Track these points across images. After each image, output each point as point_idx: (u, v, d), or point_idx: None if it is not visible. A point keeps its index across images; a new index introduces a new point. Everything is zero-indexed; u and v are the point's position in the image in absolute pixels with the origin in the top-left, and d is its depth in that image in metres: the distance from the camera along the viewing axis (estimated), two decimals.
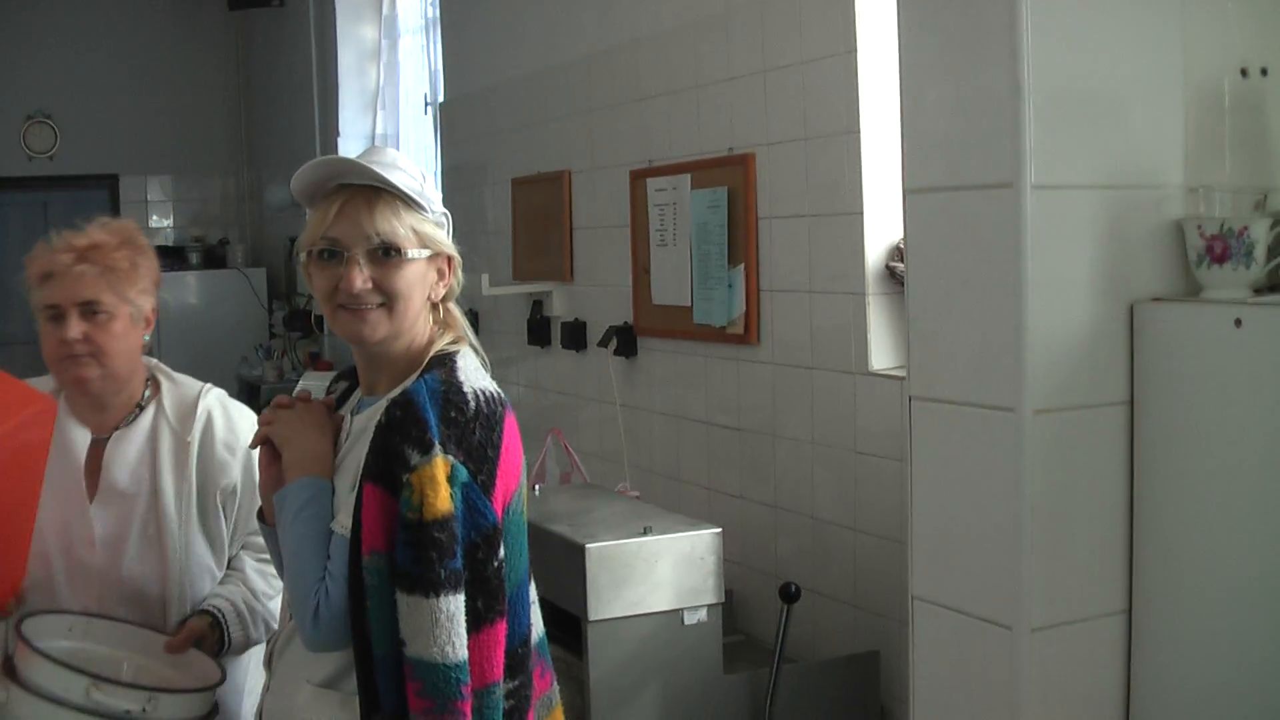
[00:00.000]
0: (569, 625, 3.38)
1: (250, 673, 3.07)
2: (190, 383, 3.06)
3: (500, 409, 2.31)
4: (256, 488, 2.80)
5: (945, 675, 2.08)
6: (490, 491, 2.24)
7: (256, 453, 2.67)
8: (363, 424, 2.39)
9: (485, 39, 6.17)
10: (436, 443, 2.19)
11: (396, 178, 2.31)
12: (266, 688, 2.54)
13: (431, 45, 7.16)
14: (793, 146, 3.95)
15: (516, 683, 2.32)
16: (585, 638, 3.30)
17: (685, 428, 4.56)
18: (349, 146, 7.77)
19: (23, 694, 2.60)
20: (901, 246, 3.63)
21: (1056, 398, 1.94)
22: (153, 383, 3.04)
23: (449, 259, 2.42)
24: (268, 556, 2.90)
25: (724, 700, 3.45)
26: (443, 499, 2.17)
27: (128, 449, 2.93)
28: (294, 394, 2.53)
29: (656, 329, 4.67)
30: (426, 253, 2.36)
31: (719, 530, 3.44)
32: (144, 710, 2.64)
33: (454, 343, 2.41)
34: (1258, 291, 2.05)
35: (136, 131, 9.71)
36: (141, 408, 2.98)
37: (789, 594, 3.50)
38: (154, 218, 10.04)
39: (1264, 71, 2.17)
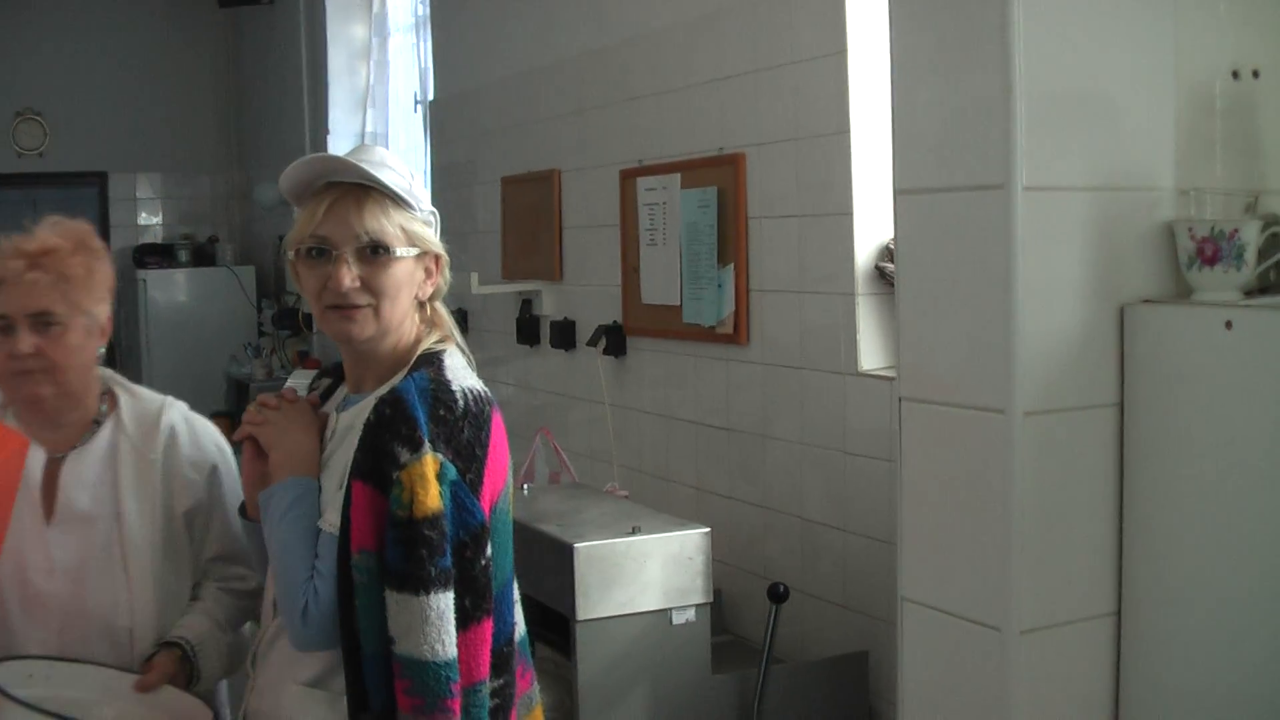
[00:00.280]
0: (557, 625, 3.38)
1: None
2: (150, 396, 2.86)
3: (488, 408, 2.31)
4: (220, 506, 2.84)
5: (934, 677, 2.08)
6: (478, 490, 2.25)
7: (221, 471, 2.84)
8: (349, 421, 2.39)
9: (475, 38, 6.17)
10: (426, 441, 2.20)
11: (385, 176, 2.32)
12: (251, 688, 2.54)
13: (422, 43, 7.15)
14: (783, 147, 3.95)
15: (501, 681, 2.33)
16: (573, 638, 3.30)
17: (674, 427, 4.56)
18: (339, 145, 7.76)
19: None
20: (891, 247, 3.64)
21: (1046, 399, 1.94)
22: (109, 396, 2.83)
23: (436, 257, 2.42)
24: (233, 585, 2.86)
25: (712, 700, 3.44)
26: (433, 497, 2.17)
27: (86, 468, 2.72)
28: (280, 392, 2.54)
29: (646, 328, 4.67)
30: (415, 251, 2.37)
31: (707, 530, 3.44)
32: None
33: (441, 341, 2.42)
34: (1248, 294, 2.06)
35: (126, 129, 9.69)
36: (99, 423, 2.78)
37: (777, 594, 3.50)
38: (143, 215, 10.02)
39: (1255, 74, 2.17)
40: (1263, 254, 2.07)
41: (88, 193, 9.91)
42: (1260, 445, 1.88)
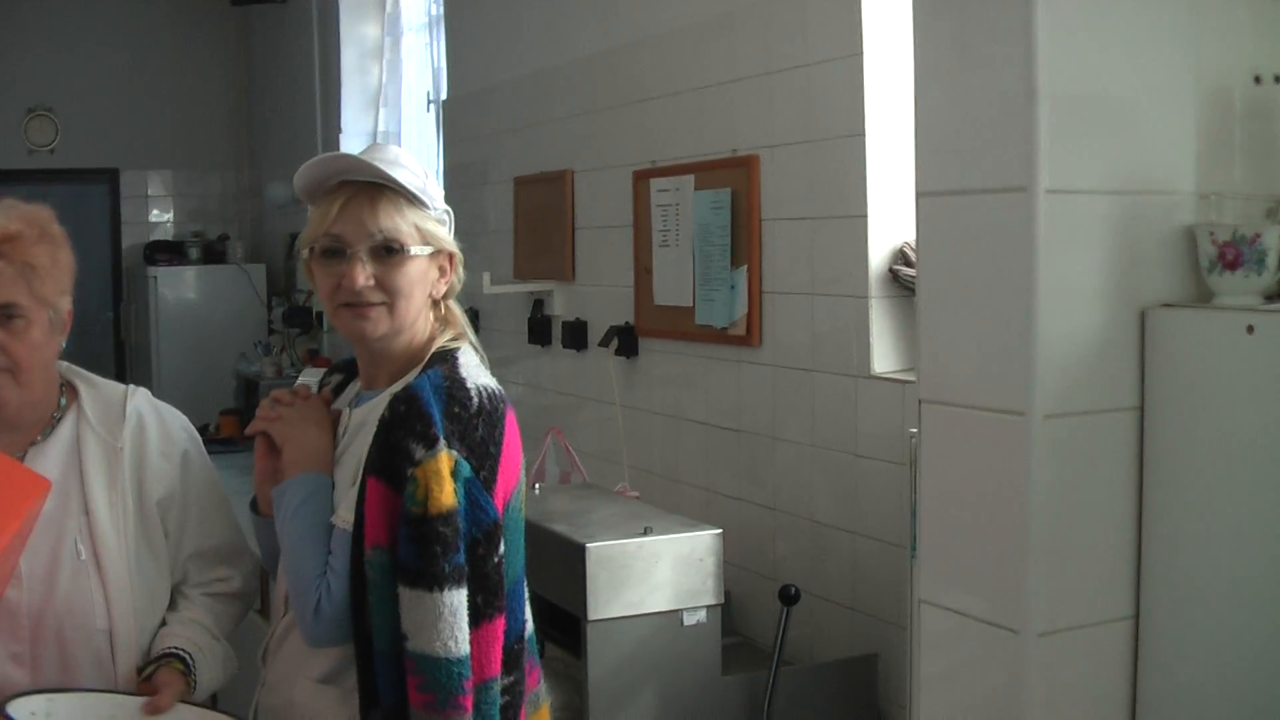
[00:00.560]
0: (567, 625, 3.38)
1: None
2: (111, 385, 2.68)
3: (502, 406, 2.32)
4: (195, 496, 2.66)
5: (951, 679, 2.08)
6: (492, 488, 2.26)
7: (193, 458, 2.70)
8: (362, 418, 2.40)
9: (488, 37, 6.17)
10: (441, 438, 2.20)
11: (399, 174, 2.33)
12: (262, 684, 2.55)
13: (434, 43, 7.15)
14: (797, 149, 3.94)
15: (512, 678, 2.34)
16: (584, 638, 3.30)
17: (685, 428, 4.56)
18: (351, 143, 7.77)
19: None
20: (906, 250, 3.64)
21: (1066, 402, 1.94)
22: (68, 389, 2.64)
23: (450, 256, 2.44)
24: (217, 589, 2.71)
25: (722, 702, 3.44)
26: (447, 494, 2.18)
27: (48, 464, 2.50)
28: (293, 388, 2.54)
29: (658, 329, 4.67)
30: (428, 250, 2.38)
31: (719, 531, 3.44)
32: None
33: (454, 340, 2.43)
34: (1269, 299, 2.05)
35: (137, 126, 9.71)
36: (58, 418, 2.58)
37: (789, 596, 3.49)
38: (154, 212, 10.04)
39: (1276, 79, 2.17)
40: None
41: (99, 189, 9.93)
42: None
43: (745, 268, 4.13)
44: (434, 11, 7.16)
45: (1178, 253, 2.06)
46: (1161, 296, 2.04)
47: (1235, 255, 2.00)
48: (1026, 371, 1.91)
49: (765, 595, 3.95)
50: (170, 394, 8.91)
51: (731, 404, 4.29)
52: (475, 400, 2.28)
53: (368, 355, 2.46)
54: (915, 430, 3.09)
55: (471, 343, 2.47)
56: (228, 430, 7.99)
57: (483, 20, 6.25)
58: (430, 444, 2.20)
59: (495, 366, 2.47)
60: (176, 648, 2.56)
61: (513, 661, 2.34)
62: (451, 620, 2.17)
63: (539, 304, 5.57)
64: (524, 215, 5.74)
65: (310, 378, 2.70)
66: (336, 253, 2.34)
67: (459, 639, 2.18)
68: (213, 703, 2.69)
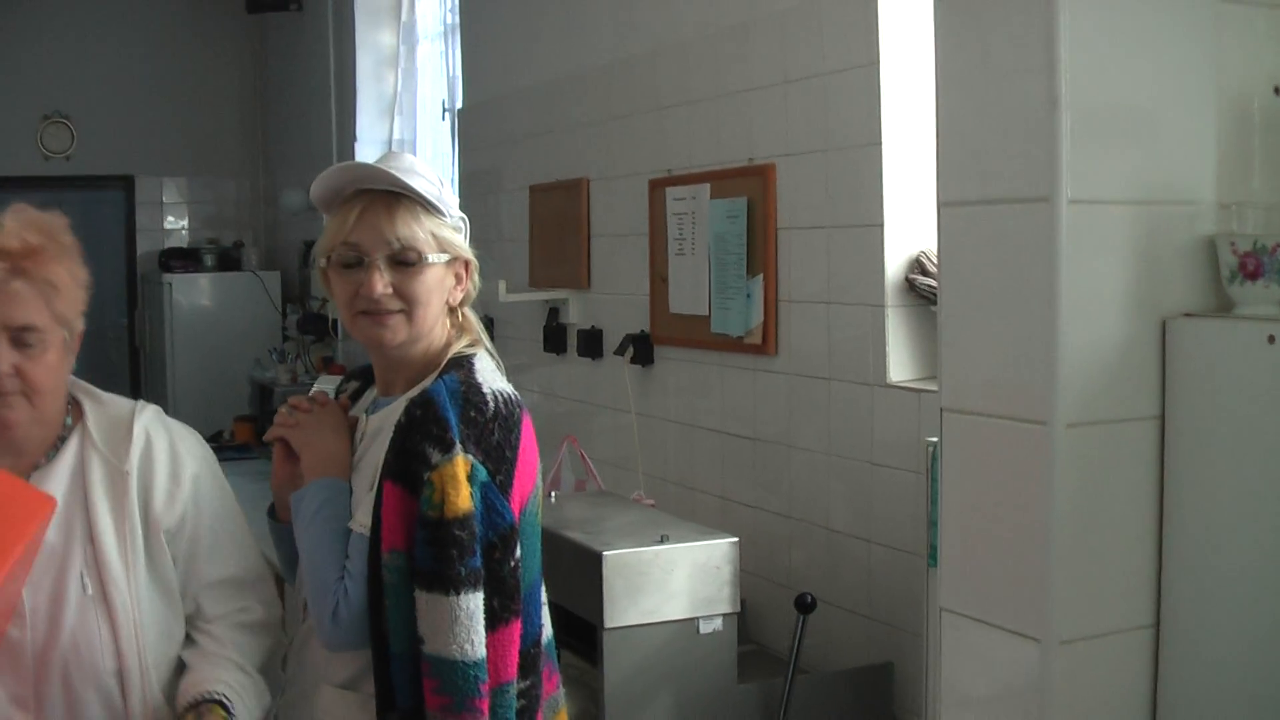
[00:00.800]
0: (583, 632, 3.39)
1: None
2: (120, 401, 2.49)
3: (517, 411, 2.34)
4: (208, 522, 2.47)
5: (972, 687, 2.08)
6: (508, 492, 2.27)
7: (205, 481, 2.49)
8: (379, 424, 2.41)
9: (504, 46, 6.19)
10: (458, 442, 2.21)
11: (415, 183, 2.34)
12: (282, 690, 2.56)
13: (450, 51, 7.17)
14: (813, 158, 3.95)
15: (528, 683, 2.34)
16: (600, 645, 3.31)
17: (700, 437, 4.56)
18: (366, 151, 7.78)
19: None
20: (922, 259, 3.65)
21: (1088, 411, 1.94)
22: (74, 406, 2.46)
23: (466, 263, 2.45)
24: (242, 619, 2.51)
25: (737, 710, 3.45)
26: (464, 497, 2.19)
27: (52, 490, 2.31)
28: (311, 394, 2.55)
29: (674, 338, 4.68)
30: (445, 257, 2.39)
31: (736, 540, 3.45)
32: None
33: (470, 345, 2.44)
34: None
35: (153, 133, 9.73)
36: (63, 438, 2.40)
37: (805, 604, 3.50)
38: (169, 219, 10.06)
39: None
40: None
41: (114, 196, 9.96)
42: None
43: (761, 276, 4.14)
44: (449, 20, 7.19)
45: (1199, 263, 2.06)
46: (1182, 306, 2.04)
47: (1256, 265, 2.00)
48: (1049, 381, 1.92)
49: (780, 603, 3.96)
50: (185, 400, 8.93)
51: (747, 412, 4.30)
52: (491, 405, 2.29)
53: (384, 362, 2.47)
54: (932, 439, 3.11)
55: (487, 349, 2.48)
56: (242, 437, 8.01)
57: (499, 28, 6.26)
58: (446, 448, 2.21)
59: (510, 374, 2.48)
60: (214, 692, 2.37)
61: (529, 665, 2.34)
62: (468, 623, 2.18)
63: (554, 312, 5.58)
64: (539, 223, 5.75)
65: (325, 384, 2.70)
66: (354, 261, 2.35)
67: (475, 642, 2.18)
68: None
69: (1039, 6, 1.91)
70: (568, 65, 5.51)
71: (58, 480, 2.35)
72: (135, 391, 9.70)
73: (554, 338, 5.55)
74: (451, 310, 2.45)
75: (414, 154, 6.09)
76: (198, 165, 9.98)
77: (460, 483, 2.20)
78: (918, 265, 3.68)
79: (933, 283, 3.58)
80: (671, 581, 3.36)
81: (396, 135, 7.93)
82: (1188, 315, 2.03)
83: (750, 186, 4.20)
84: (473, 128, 6.64)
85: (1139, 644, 2.02)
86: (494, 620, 2.23)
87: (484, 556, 2.22)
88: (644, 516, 3.72)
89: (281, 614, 2.53)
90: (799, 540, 4.05)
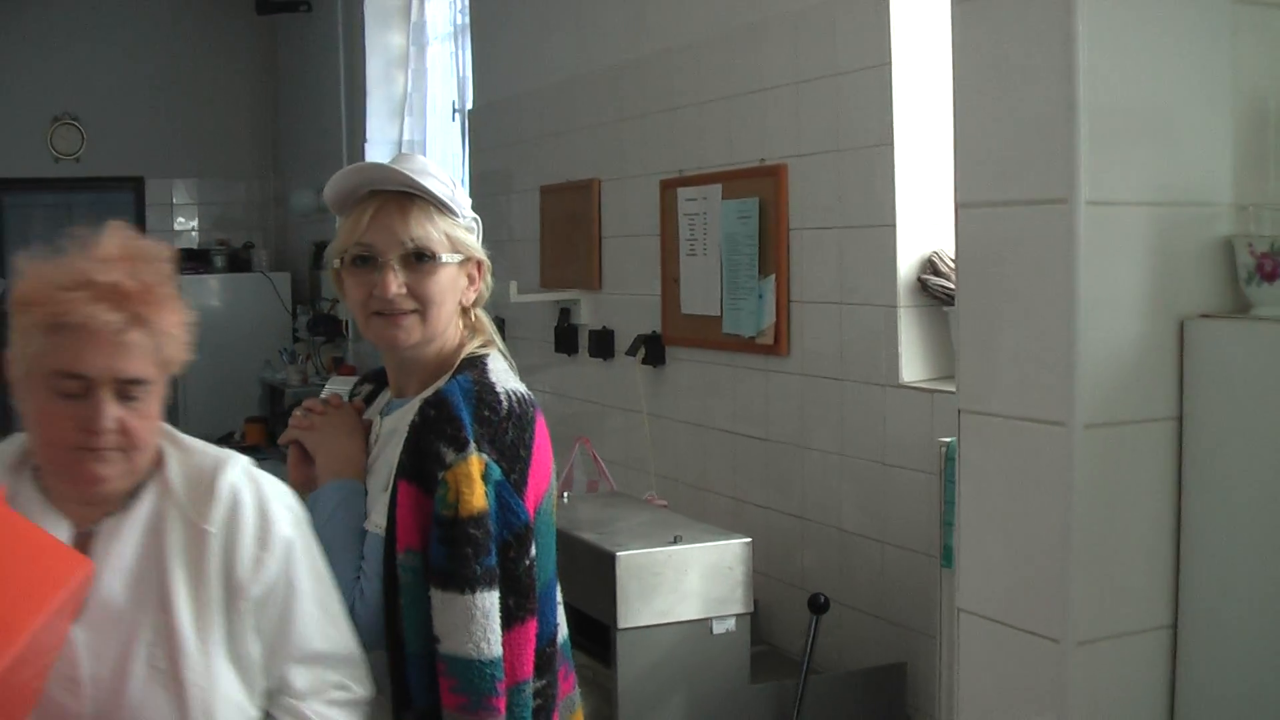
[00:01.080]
0: (597, 633, 3.39)
1: None
2: (206, 450, 2.17)
3: (531, 410, 2.34)
4: (300, 591, 2.15)
5: (991, 688, 2.08)
6: (522, 491, 2.27)
7: (298, 546, 2.16)
8: (393, 425, 2.41)
9: (515, 46, 6.19)
10: (471, 441, 2.21)
11: (429, 183, 2.34)
12: None
13: (460, 52, 7.18)
14: (825, 158, 3.96)
15: (544, 682, 2.34)
16: (614, 646, 3.31)
17: (712, 437, 4.57)
18: (376, 152, 7.79)
19: None
20: (934, 260, 3.65)
21: (1106, 412, 1.94)
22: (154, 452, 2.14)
23: (479, 264, 2.45)
24: (335, 696, 2.20)
25: (750, 710, 3.45)
26: (478, 496, 2.19)
27: (123, 546, 2.04)
28: (325, 397, 2.56)
29: (685, 338, 4.68)
30: (458, 257, 2.39)
31: (749, 540, 3.45)
32: None
33: (483, 346, 2.44)
34: None
35: (162, 134, 9.75)
36: (140, 486, 2.08)
37: (818, 605, 3.50)
38: (179, 220, 10.07)
39: None
40: None
41: (124, 198, 9.98)
42: None
43: (773, 277, 4.14)
44: (459, 21, 7.19)
45: (1216, 264, 2.06)
46: (1200, 307, 2.04)
47: (1273, 266, 2.01)
48: (1067, 382, 1.92)
49: (792, 604, 3.96)
50: (195, 402, 8.92)
51: (759, 413, 4.30)
52: (505, 404, 2.30)
53: (398, 363, 2.47)
54: (945, 439, 3.12)
55: (500, 349, 2.48)
56: (253, 438, 8.03)
57: (509, 29, 6.27)
58: (460, 447, 2.21)
59: (521, 375, 2.48)
60: None
61: (545, 665, 2.34)
62: (484, 622, 2.18)
63: (565, 313, 5.58)
64: (550, 224, 5.76)
65: (336, 386, 2.70)
66: (368, 262, 2.35)
67: (491, 641, 2.19)
68: None
69: (1056, 9, 1.91)
70: (579, 66, 5.52)
71: (130, 535, 2.05)
72: None
73: (565, 338, 5.56)
74: (464, 311, 2.45)
75: (424, 155, 6.11)
76: (208, 167, 10.00)
77: (475, 481, 2.20)
78: (930, 265, 3.68)
79: (945, 283, 3.58)
80: (685, 582, 3.36)
81: (406, 136, 7.94)
82: (1205, 316, 2.04)
83: (762, 187, 4.20)
84: (483, 128, 6.65)
85: (1157, 644, 2.02)
86: (509, 619, 2.23)
87: (499, 555, 2.22)
88: (656, 517, 3.73)
89: (374, 692, 2.25)
90: (811, 541, 4.05)
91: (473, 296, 2.46)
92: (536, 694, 2.31)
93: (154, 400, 2.05)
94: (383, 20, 8.02)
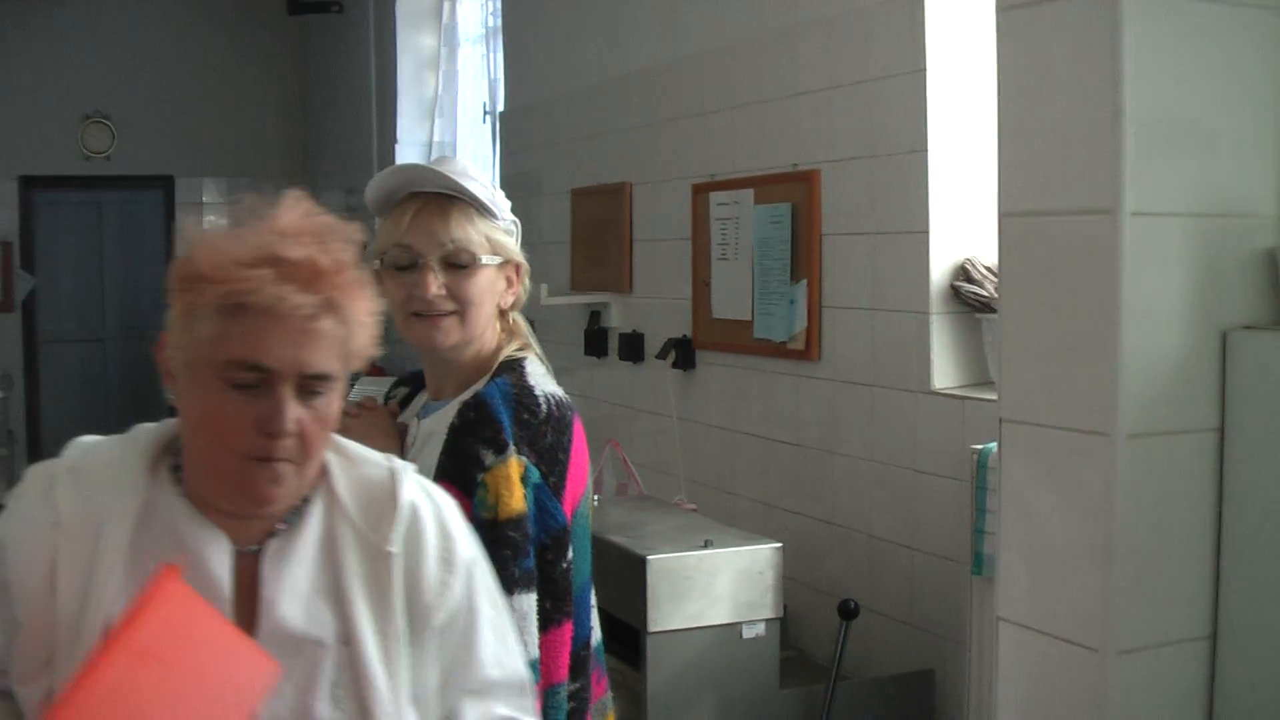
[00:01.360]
0: (627, 637, 3.40)
1: None
2: (372, 458, 1.89)
3: (569, 414, 2.35)
4: (482, 614, 1.91)
5: (1029, 697, 2.09)
6: (560, 494, 2.28)
7: (480, 564, 1.95)
8: (430, 428, 2.42)
9: (547, 49, 6.20)
10: (511, 443, 2.22)
11: (469, 185, 2.35)
12: None
13: (491, 54, 7.19)
14: (858, 164, 3.96)
15: (578, 685, 2.35)
16: (644, 649, 3.31)
17: (742, 442, 4.57)
18: (406, 154, 7.81)
19: None
20: (968, 266, 3.64)
21: (1149, 423, 1.95)
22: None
23: (517, 266, 2.45)
24: None
25: (780, 715, 3.46)
26: (517, 498, 2.20)
27: (296, 570, 1.76)
28: (360, 400, 2.56)
29: (716, 342, 4.68)
30: (498, 260, 2.40)
31: (779, 545, 3.45)
32: None
33: (520, 350, 2.44)
34: None
35: (193, 134, 9.79)
36: (306, 500, 1.80)
37: (848, 610, 3.50)
38: (208, 219, 10.09)
39: None
40: None
41: (153, 196, 10.04)
42: None
43: (805, 282, 4.14)
44: (491, 23, 7.20)
45: (1258, 275, 2.06)
46: (1242, 318, 2.04)
47: None
48: (1110, 392, 1.92)
49: (820, 609, 3.96)
50: None
51: (789, 418, 4.30)
52: (544, 407, 2.30)
53: (435, 366, 2.47)
54: (978, 446, 3.11)
55: (537, 353, 2.49)
56: None
57: (541, 32, 6.28)
58: (500, 449, 2.22)
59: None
60: None
61: (579, 668, 2.35)
62: (521, 624, 2.19)
63: (595, 316, 5.59)
64: (581, 227, 5.76)
65: (367, 388, 2.70)
66: (408, 263, 2.36)
67: (528, 643, 2.19)
68: None
69: (1102, 20, 1.92)
70: (611, 69, 5.52)
71: (302, 557, 1.77)
72: None
73: (595, 341, 5.57)
74: (502, 314, 2.46)
75: (454, 157, 6.12)
76: (238, 166, 10.02)
77: (514, 484, 2.21)
78: (963, 272, 3.67)
79: (979, 290, 3.58)
80: (715, 586, 3.36)
81: (437, 138, 7.94)
82: (1247, 328, 2.04)
83: (794, 192, 4.21)
84: (514, 131, 6.66)
85: (1196, 655, 2.02)
86: (546, 621, 2.24)
87: (536, 558, 2.23)
88: (686, 521, 3.73)
89: None
90: (840, 546, 4.05)
91: (510, 299, 2.46)
92: (570, 697, 2.32)
93: (335, 401, 1.74)
94: (414, 22, 8.03)
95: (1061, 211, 2.00)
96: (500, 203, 2.44)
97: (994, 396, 2.96)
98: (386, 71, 8.16)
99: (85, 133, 9.69)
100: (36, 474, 1.76)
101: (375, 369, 8.26)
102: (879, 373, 3.90)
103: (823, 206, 4.11)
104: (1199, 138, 2.00)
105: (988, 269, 3.59)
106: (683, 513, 3.92)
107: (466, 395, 2.35)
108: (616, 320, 5.46)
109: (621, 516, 3.75)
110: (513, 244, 2.45)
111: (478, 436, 2.23)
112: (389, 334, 1.88)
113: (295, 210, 1.74)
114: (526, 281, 2.49)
